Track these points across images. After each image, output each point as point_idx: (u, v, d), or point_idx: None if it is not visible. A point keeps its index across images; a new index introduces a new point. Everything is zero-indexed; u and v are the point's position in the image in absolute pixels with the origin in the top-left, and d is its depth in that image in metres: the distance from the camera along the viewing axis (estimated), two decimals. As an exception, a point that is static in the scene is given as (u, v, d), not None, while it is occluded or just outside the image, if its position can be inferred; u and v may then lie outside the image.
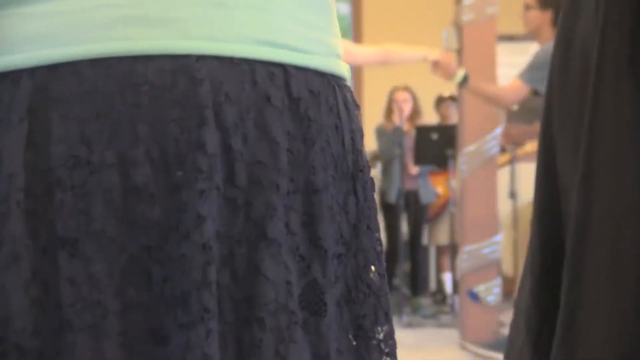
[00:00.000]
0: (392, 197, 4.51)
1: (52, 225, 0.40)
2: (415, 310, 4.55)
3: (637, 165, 0.76)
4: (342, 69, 0.51)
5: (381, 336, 0.51)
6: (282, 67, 0.45)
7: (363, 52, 2.85)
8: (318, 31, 0.49)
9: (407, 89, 4.38)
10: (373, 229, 0.52)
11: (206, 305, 0.41)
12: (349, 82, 0.54)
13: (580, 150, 0.79)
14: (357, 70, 5.63)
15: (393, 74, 4.35)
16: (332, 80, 0.49)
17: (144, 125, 0.41)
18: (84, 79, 0.41)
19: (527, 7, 3.00)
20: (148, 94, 0.41)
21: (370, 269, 0.51)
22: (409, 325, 4.23)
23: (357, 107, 0.53)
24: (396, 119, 4.29)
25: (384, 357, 0.52)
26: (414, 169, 4.66)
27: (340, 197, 0.49)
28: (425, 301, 4.92)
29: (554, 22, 2.97)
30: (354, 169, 0.50)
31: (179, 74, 0.42)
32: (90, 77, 0.41)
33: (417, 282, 4.77)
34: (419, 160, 4.46)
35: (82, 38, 0.42)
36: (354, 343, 0.50)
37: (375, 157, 4.83)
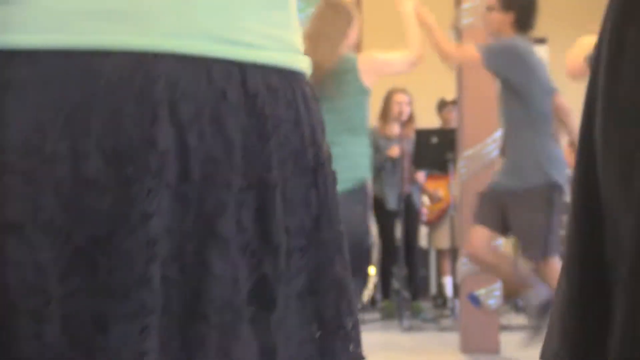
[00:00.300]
0: (392, 204, 4.54)
1: (0, 209, 0.41)
2: (416, 313, 4.53)
3: None
4: (302, 64, 0.52)
5: (345, 326, 0.52)
6: (239, 64, 0.46)
7: (399, 58, 2.88)
8: (276, 27, 0.49)
9: (404, 91, 4.40)
10: (334, 221, 0.52)
11: (143, 302, 0.41)
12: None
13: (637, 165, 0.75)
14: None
15: (392, 76, 4.30)
16: (290, 76, 0.50)
17: (98, 118, 0.41)
18: (42, 67, 0.42)
19: (489, 9, 3.09)
20: (104, 88, 0.42)
21: (333, 260, 0.51)
22: (410, 329, 4.23)
23: (317, 101, 0.54)
24: (395, 123, 4.32)
25: (349, 346, 0.53)
26: (420, 176, 4.67)
27: (301, 191, 0.49)
28: (425, 305, 4.90)
29: (516, 24, 3.02)
30: (314, 163, 0.50)
31: (135, 71, 0.42)
32: (48, 67, 0.42)
33: (416, 286, 4.77)
34: (419, 164, 4.46)
35: (44, 27, 0.42)
36: (319, 333, 0.50)
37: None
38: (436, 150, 4.31)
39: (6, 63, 0.42)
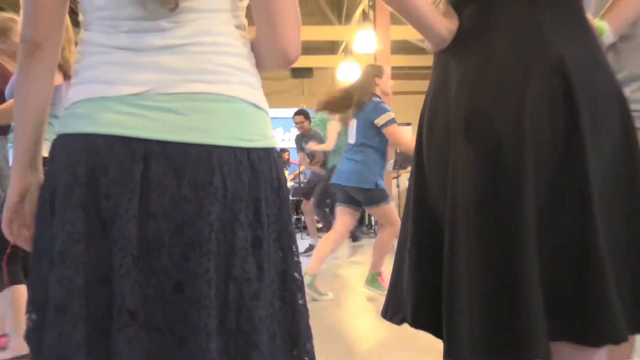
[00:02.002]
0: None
1: (147, 206, 0.81)
2: (360, 231, 7.40)
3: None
4: (273, 144, 0.93)
5: (294, 249, 0.94)
6: (247, 149, 0.87)
7: None
8: (263, 130, 0.91)
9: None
10: (287, 209, 0.94)
11: (209, 250, 0.82)
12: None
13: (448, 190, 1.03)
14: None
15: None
16: (268, 150, 0.91)
17: (189, 171, 0.82)
18: (169, 151, 0.82)
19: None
20: (191, 160, 0.82)
21: (287, 226, 0.94)
22: (356, 239, 7.04)
23: (280, 159, 0.95)
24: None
25: (295, 259, 0.94)
26: None
27: (272, 198, 0.91)
28: (364, 229, 7.87)
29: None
30: (277, 186, 0.92)
31: (205, 153, 0.83)
32: (173, 150, 0.82)
33: (362, 219, 7.61)
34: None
35: (171, 133, 0.83)
36: (281, 256, 0.93)
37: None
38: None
39: (158, 146, 0.82)
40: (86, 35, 0.90)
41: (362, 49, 7.19)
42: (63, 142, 0.87)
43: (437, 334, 1.08)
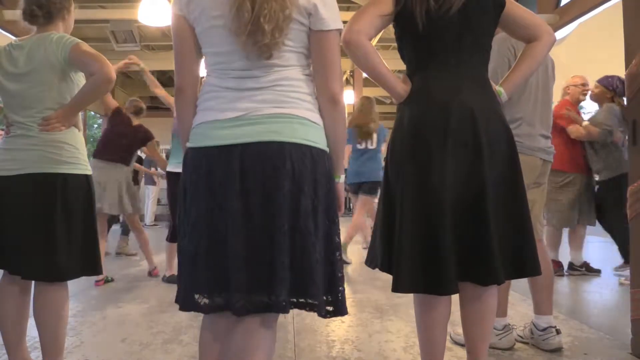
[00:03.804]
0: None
1: (245, 185, 1.21)
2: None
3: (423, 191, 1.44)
4: (327, 149, 1.28)
5: (336, 220, 1.28)
6: (309, 147, 1.23)
7: None
8: (320, 137, 1.26)
9: None
10: (334, 191, 1.30)
11: (284, 211, 1.18)
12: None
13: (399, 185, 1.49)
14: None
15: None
16: (324, 151, 1.27)
17: (273, 158, 1.17)
18: (258, 147, 1.19)
19: None
20: (273, 150, 1.17)
21: (334, 202, 1.29)
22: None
23: (330, 160, 1.31)
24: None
25: (336, 227, 1.27)
26: None
27: (324, 182, 1.26)
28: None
29: None
30: (329, 175, 1.27)
31: (277, 147, 1.19)
32: (260, 146, 1.19)
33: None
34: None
35: (258, 136, 1.19)
36: (327, 223, 1.28)
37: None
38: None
39: (245, 148, 1.20)
40: (207, 79, 1.33)
41: (346, 102, 11.25)
42: (190, 153, 1.29)
43: (392, 274, 1.56)
